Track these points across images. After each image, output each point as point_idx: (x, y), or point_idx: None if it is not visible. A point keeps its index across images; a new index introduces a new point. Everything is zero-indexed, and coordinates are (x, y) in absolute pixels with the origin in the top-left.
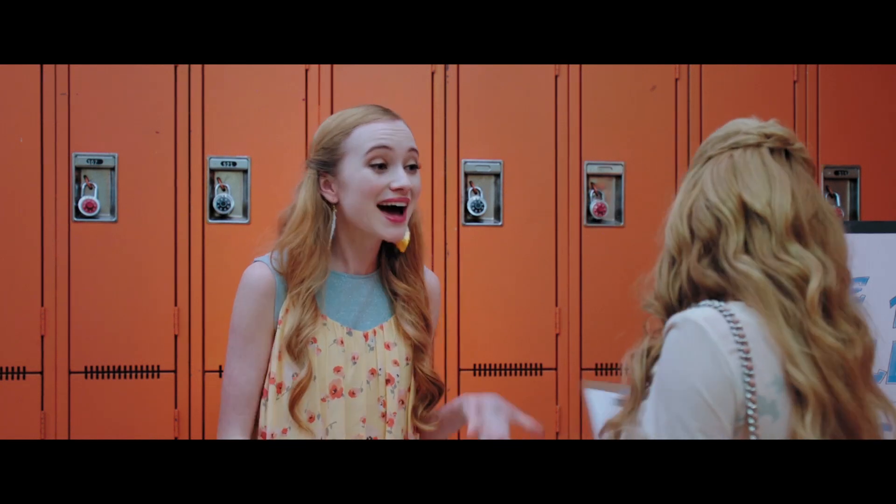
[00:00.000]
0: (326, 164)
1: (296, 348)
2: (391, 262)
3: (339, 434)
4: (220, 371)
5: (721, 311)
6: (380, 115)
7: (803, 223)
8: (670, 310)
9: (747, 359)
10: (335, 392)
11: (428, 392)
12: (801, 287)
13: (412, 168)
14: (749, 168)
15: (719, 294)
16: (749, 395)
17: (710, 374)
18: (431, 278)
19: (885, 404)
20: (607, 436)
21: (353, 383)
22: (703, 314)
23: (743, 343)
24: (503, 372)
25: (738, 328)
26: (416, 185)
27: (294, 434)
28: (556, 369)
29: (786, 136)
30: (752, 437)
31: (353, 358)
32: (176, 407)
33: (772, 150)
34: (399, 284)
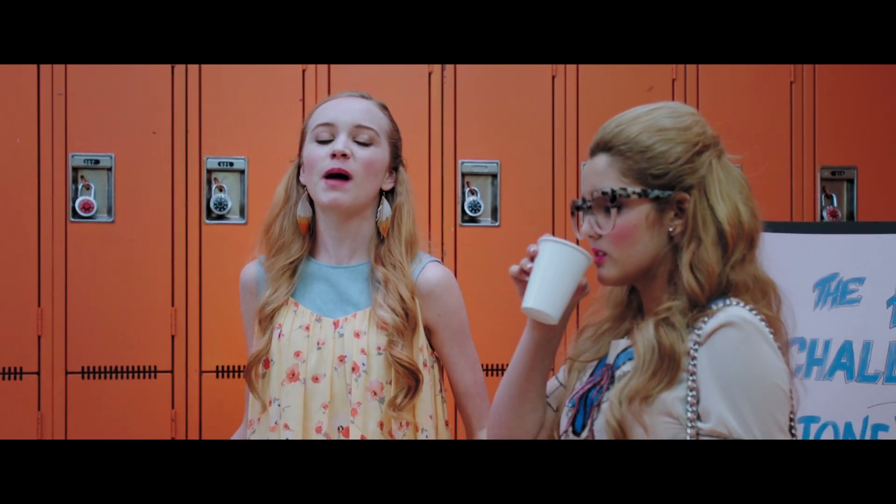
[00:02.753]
0: (300, 148)
1: (260, 318)
2: (380, 248)
3: (293, 418)
4: (217, 371)
5: (751, 310)
6: (341, 94)
7: None
8: (707, 291)
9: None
10: (293, 377)
11: (405, 381)
12: None
13: (363, 142)
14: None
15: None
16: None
17: (781, 368)
18: (430, 273)
19: None
20: (636, 405)
21: (315, 369)
22: (747, 314)
23: (777, 340)
24: (500, 372)
25: (767, 325)
26: (365, 156)
27: (264, 417)
28: (553, 369)
29: None
30: (791, 424)
31: (318, 344)
32: (173, 407)
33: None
34: (379, 269)
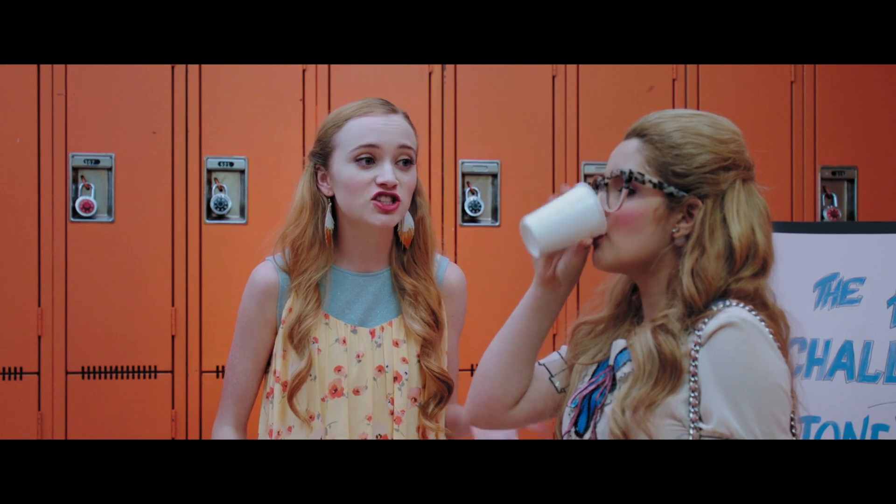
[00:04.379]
0: (321, 156)
1: (296, 338)
2: (400, 257)
3: (339, 433)
4: (217, 371)
5: (750, 311)
6: (374, 108)
7: None
8: (703, 298)
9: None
10: (335, 391)
11: (437, 390)
12: None
13: (405, 163)
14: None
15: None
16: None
17: (782, 368)
18: (453, 274)
19: None
20: (640, 413)
21: (356, 381)
22: (747, 314)
23: (777, 341)
24: None
25: (767, 327)
26: (408, 180)
27: (298, 431)
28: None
29: None
30: (791, 422)
31: (358, 356)
32: (173, 407)
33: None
34: (406, 279)
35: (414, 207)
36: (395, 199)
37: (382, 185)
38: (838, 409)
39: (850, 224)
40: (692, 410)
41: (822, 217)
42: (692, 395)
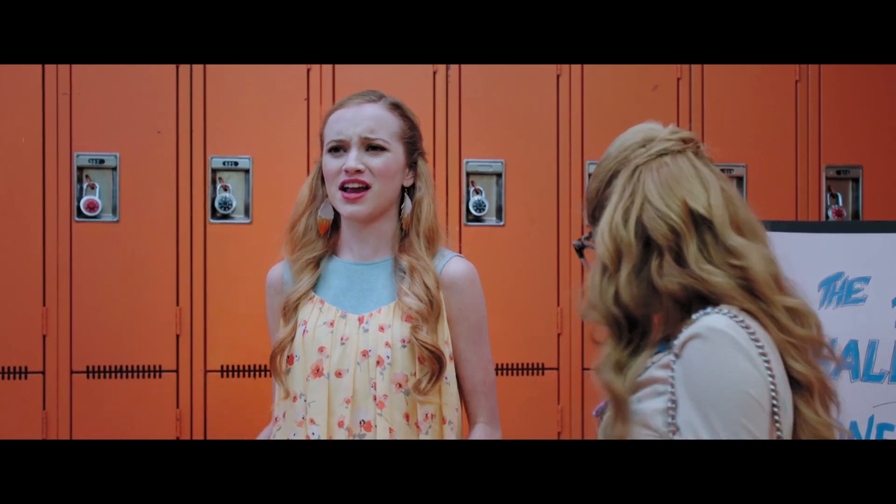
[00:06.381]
0: (322, 152)
1: (286, 310)
2: (402, 241)
3: (318, 412)
4: (222, 371)
5: (732, 318)
6: (350, 101)
7: (740, 217)
8: (609, 318)
9: (767, 361)
10: (317, 372)
11: (428, 365)
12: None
13: (375, 149)
14: (685, 173)
15: (687, 299)
16: (773, 394)
17: (753, 376)
18: (453, 266)
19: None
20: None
21: (339, 364)
22: (722, 322)
23: (761, 346)
24: (505, 372)
25: (752, 332)
26: (377, 164)
27: (290, 413)
28: (557, 369)
29: (697, 139)
30: (777, 433)
31: (342, 339)
32: (178, 407)
33: (694, 154)
34: (404, 258)
35: (413, 191)
36: (363, 187)
37: (346, 170)
38: (843, 409)
39: (854, 223)
40: (671, 422)
41: (827, 216)
42: (670, 405)
